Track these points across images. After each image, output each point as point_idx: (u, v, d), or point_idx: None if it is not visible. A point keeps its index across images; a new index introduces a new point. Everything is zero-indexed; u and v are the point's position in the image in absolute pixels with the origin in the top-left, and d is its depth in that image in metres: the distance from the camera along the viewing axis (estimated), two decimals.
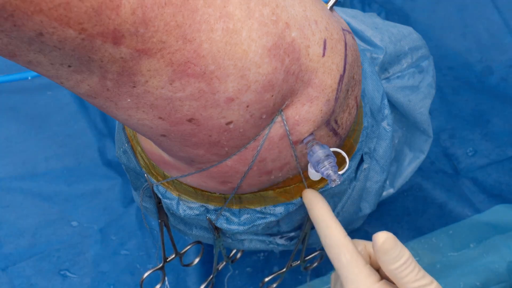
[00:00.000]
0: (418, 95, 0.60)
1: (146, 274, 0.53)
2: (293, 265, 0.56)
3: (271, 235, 0.53)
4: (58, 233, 0.77)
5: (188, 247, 0.55)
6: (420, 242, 0.74)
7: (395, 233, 0.41)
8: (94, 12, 0.25)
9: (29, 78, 0.86)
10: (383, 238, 0.38)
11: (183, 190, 0.45)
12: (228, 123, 0.34)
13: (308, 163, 0.41)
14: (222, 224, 0.47)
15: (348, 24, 0.58)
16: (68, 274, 0.75)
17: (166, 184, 0.46)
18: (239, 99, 0.33)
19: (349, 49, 0.39)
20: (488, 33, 0.88)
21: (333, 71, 0.37)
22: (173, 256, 0.55)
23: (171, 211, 0.48)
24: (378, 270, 0.43)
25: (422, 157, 0.64)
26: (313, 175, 0.41)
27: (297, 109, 0.36)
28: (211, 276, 0.62)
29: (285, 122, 0.37)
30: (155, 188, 0.47)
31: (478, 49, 0.87)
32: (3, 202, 0.79)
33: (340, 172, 0.39)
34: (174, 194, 0.46)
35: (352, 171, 0.48)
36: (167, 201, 0.46)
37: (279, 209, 0.45)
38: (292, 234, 0.53)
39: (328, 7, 0.40)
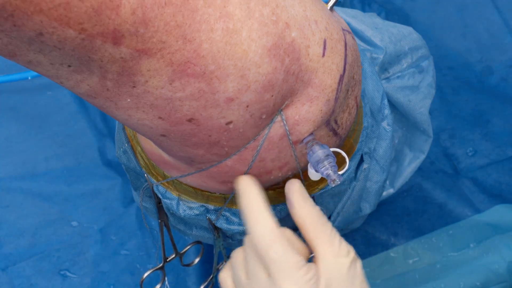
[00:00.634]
0: (418, 95, 0.60)
1: (146, 274, 0.53)
2: None
3: None
4: (58, 233, 0.77)
5: (188, 247, 0.55)
6: (420, 242, 0.74)
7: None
8: (94, 12, 0.25)
9: (29, 78, 0.86)
10: (299, 182, 0.39)
11: (183, 190, 0.45)
12: (228, 123, 0.34)
13: (308, 163, 0.41)
14: (222, 224, 0.47)
15: (348, 24, 0.58)
16: (68, 274, 0.75)
17: (166, 184, 0.46)
18: (239, 99, 0.33)
19: (349, 49, 0.39)
20: (488, 33, 0.88)
21: (333, 71, 0.37)
22: (173, 256, 0.55)
23: (171, 211, 0.48)
24: None
25: (422, 157, 0.64)
26: (313, 175, 0.41)
27: (297, 109, 0.36)
28: (211, 276, 0.62)
29: (285, 122, 0.37)
30: (155, 188, 0.47)
31: (478, 49, 0.87)
32: (3, 202, 0.79)
33: (340, 172, 0.38)
34: (174, 194, 0.46)
35: (352, 171, 0.48)
36: (167, 201, 0.46)
37: (279, 209, 0.45)
38: None
39: (328, 7, 0.40)
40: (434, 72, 0.62)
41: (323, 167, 0.37)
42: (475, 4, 0.89)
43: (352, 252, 0.39)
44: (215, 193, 0.44)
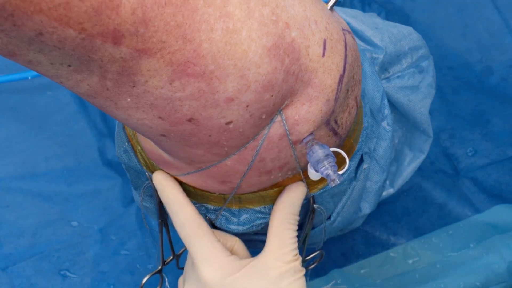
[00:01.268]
0: (418, 95, 0.60)
1: (145, 279, 0.53)
2: None
3: None
4: (58, 233, 0.77)
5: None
6: (420, 242, 0.74)
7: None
8: (94, 12, 0.25)
9: (29, 78, 0.86)
10: (302, 188, 0.44)
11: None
12: (227, 123, 0.34)
13: (307, 163, 0.41)
14: (221, 224, 0.47)
15: (348, 24, 0.58)
16: (68, 274, 0.75)
17: None
18: (239, 99, 0.33)
19: (349, 49, 0.39)
20: (488, 33, 0.88)
21: (333, 71, 0.37)
22: (171, 258, 0.55)
23: None
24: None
25: (422, 157, 0.64)
26: (313, 175, 0.41)
27: (296, 109, 0.36)
28: None
29: (284, 122, 0.37)
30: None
31: (478, 49, 0.87)
32: (3, 202, 0.79)
33: (340, 172, 0.39)
34: None
35: (352, 171, 0.48)
36: None
37: None
38: None
39: (328, 7, 0.40)
40: (434, 72, 0.62)
41: (323, 167, 0.37)
42: (475, 4, 0.89)
43: (296, 264, 0.42)
44: (214, 193, 0.44)
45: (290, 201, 0.43)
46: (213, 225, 0.47)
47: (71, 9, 0.25)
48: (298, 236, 0.52)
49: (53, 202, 0.79)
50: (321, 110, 0.37)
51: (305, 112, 0.37)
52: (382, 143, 0.52)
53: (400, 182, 0.65)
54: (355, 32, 0.59)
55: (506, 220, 0.74)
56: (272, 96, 0.34)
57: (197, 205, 0.46)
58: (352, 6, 0.92)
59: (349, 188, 0.50)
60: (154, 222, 0.77)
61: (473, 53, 0.87)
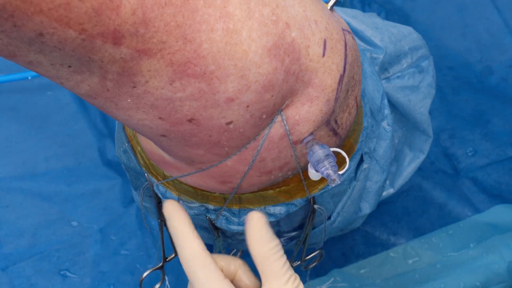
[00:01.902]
0: (418, 95, 0.60)
1: (145, 274, 0.53)
2: (293, 265, 0.56)
3: None
4: (58, 233, 0.77)
5: None
6: (420, 242, 0.74)
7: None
8: (94, 12, 0.25)
9: (29, 78, 0.86)
10: (258, 214, 0.39)
11: (183, 190, 0.45)
12: (228, 123, 0.34)
13: (308, 163, 0.41)
14: (222, 224, 0.47)
15: (348, 24, 0.58)
16: (68, 274, 0.75)
17: (166, 184, 0.46)
18: (239, 99, 0.33)
19: (349, 49, 0.39)
20: (488, 33, 0.88)
21: (333, 71, 0.37)
22: (173, 256, 0.55)
23: None
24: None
25: (422, 157, 0.64)
26: (313, 175, 0.41)
27: (297, 109, 0.36)
28: None
29: (285, 122, 0.37)
30: (155, 188, 0.47)
31: (478, 49, 0.87)
32: (3, 202, 0.79)
33: (340, 172, 0.39)
34: (174, 194, 0.46)
35: (352, 171, 0.48)
36: None
37: (279, 209, 0.45)
38: (292, 234, 0.53)
39: (328, 7, 0.40)
40: (434, 72, 0.62)
41: (323, 167, 0.37)
42: (475, 4, 0.89)
43: (297, 285, 0.40)
44: (215, 193, 0.44)
45: (258, 233, 0.40)
46: (213, 225, 0.47)
47: (72, 10, 0.25)
48: (298, 236, 0.52)
49: (53, 202, 0.79)
50: (321, 110, 0.37)
51: (305, 112, 0.37)
52: (382, 143, 0.52)
53: (400, 182, 0.65)
54: (355, 32, 0.59)
55: (506, 220, 0.74)
56: (272, 96, 0.34)
57: (197, 205, 0.46)
58: (352, 6, 0.92)
59: (349, 188, 0.50)
60: (154, 222, 0.77)
61: (473, 53, 0.87)
